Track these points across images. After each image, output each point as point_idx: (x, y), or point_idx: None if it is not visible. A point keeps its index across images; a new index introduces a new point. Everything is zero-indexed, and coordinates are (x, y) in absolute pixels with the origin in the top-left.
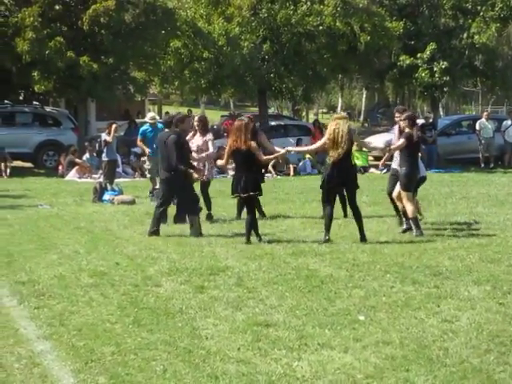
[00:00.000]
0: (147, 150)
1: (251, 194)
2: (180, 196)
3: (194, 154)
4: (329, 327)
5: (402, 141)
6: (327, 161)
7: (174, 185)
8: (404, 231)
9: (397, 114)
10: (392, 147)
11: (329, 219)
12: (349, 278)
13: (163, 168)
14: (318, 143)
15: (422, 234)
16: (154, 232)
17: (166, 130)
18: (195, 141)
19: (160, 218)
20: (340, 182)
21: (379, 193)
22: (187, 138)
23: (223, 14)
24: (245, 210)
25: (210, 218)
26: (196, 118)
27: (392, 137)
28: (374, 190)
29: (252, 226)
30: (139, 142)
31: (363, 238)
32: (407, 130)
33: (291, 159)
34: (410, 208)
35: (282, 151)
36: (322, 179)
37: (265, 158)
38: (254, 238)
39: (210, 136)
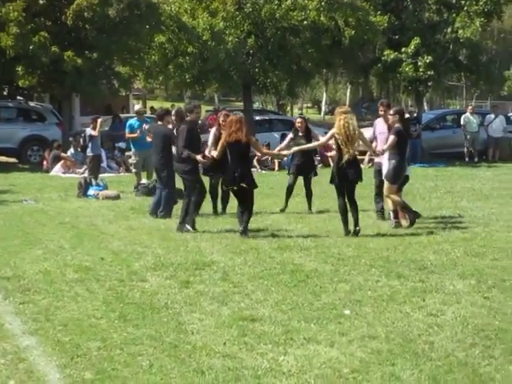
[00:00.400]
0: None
1: (246, 186)
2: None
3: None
4: (314, 322)
5: (392, 137)
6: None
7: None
8: (396, 227)
9: (381, 108)
10: (385, 147)
11: (343, 212)
12: (334, 272)
13: (176, 160)
14: (324, 139)
15: (418, 216)
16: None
17: (159, 122)
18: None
19: (195, 210)
20: (349, 176)
21: (365, 187)
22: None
23: (207, 9)
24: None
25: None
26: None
27: (371, 133)
28: (359, 185)
29: (249, 218)
30: (128, 135)
31: (357, 232)
32: (397, 124)
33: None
34: (395, 199)
35: (286, 152)
36: (331, 174)
37: (264, 151)
38: (234, 233)
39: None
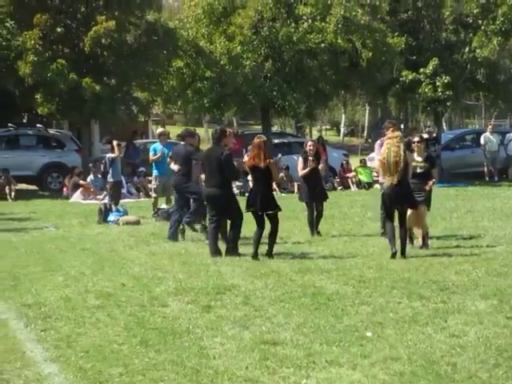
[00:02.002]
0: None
1: (272, 211)
2: (227, 211)
3: None
4: (336, 344)
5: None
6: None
7: (221, 200)
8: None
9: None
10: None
11: (392, 234)
12: (355, 294)
13: (210, 185)
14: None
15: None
16: (215, 252)
17: (182, 143)
18: None
19: (215, 236)
20: (398, 201)
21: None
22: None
23: (225, 33)
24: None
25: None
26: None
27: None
28: (378, 206)
29: (274, 239)
30: (151, 158)
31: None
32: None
33: (295, 176)
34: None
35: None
36: (381, 200)
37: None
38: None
39: None
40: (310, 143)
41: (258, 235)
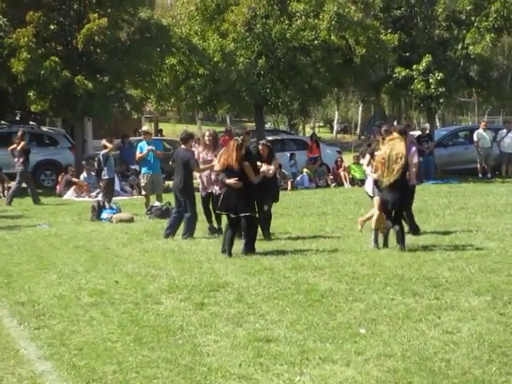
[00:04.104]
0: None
1: (244, 215)
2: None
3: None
4: (330, 341)
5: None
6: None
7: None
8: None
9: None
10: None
11: (387, 231)
12: (349, 291)
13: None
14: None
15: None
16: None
17: (183, 146)
18: (203, 155)
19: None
20: (394, 201)
21: None
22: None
23: (218, 30)
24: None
25: (213, 230)
26: (208, 134)
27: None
28: (371, 202)
29: (250, 239)
30: (138, 155)
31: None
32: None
33: (288, 173)
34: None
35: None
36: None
37: (255, 177)
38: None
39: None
40: (260, 147)
41: (229, 235)
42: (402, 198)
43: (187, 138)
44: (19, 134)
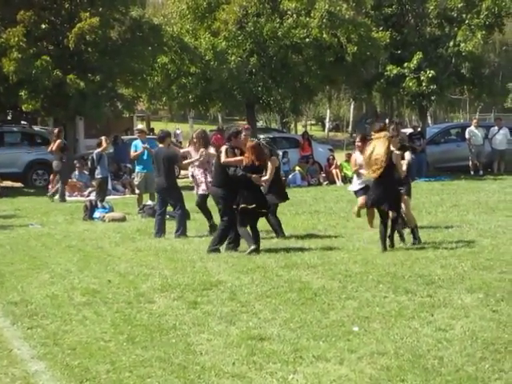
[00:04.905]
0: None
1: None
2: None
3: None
4: (323, 339)
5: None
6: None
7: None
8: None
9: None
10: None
11: (384, 231)
12: (342, 289)
13: (214, 184)
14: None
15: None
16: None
17: (160, 145)
18: (193, 155)
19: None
20: (381, 200)
21: None
22: (184, 150)
23: (209, 29)
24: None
25: (214, 228)
26: (194, 135)
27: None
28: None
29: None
30: (133, 154)
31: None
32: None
33: (281, 172)
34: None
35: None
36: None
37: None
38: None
39: (212, 150)
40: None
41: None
42: (389, 194)
43: (164, 136)
44: (55, 131)
